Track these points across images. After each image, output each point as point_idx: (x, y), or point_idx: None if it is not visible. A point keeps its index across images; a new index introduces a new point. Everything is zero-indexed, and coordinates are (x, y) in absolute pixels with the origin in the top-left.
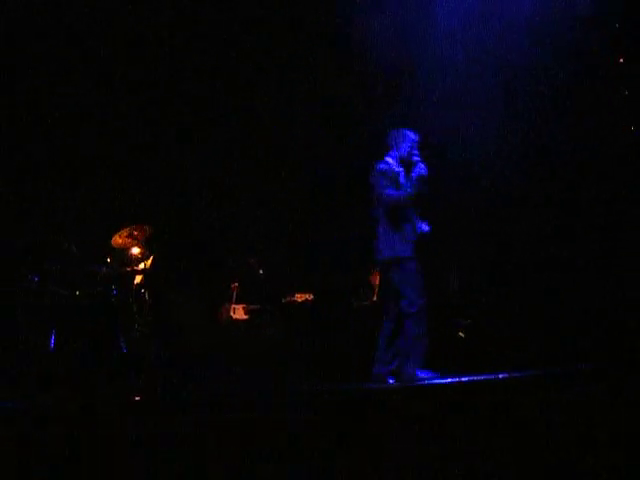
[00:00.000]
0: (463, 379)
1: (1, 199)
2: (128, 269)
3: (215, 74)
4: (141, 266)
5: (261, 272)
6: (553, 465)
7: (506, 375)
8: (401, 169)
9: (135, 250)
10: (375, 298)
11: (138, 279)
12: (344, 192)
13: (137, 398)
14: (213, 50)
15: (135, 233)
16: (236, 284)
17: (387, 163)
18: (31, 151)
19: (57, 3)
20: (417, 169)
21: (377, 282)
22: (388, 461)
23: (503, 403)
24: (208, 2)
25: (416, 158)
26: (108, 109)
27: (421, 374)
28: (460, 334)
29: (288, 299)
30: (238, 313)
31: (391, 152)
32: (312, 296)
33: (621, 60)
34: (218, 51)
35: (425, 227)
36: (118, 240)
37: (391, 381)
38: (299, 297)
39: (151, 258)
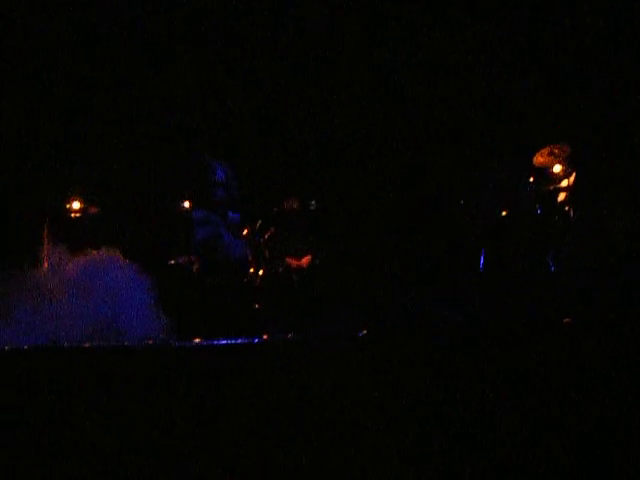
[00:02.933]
0: None
1: None
2: (551, 187)
3: None
4: (564, 183)
5: None
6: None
7: None
8: None
9: (557, 168)
10: None
11: (562, 196)
12: None
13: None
14: None
15: (556, 151)
16: None
17: None
18: None
19: None
20: None
21: None
22: None
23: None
24: None
25: None
26: None
27: None
28: None
29: None
30: None
31: None
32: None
33: None
34: None
35: None
36: (540, 159)
37: None
38: None
39: (573, 175)
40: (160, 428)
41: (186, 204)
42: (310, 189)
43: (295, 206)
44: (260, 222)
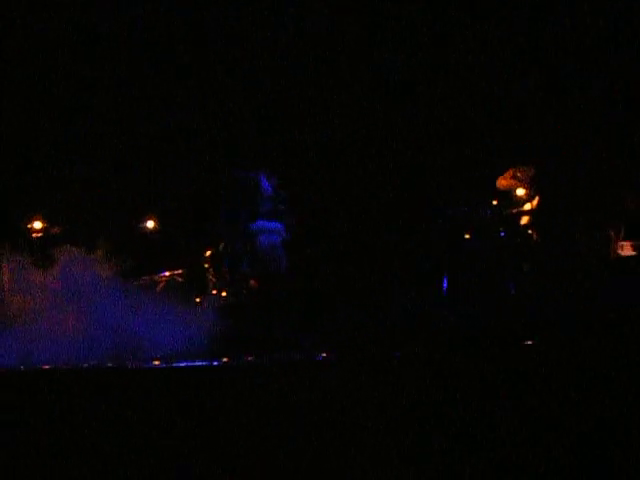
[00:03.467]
0: None
1: None
2: (514, 211)
3: None
4: (527, 207)
5: None
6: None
7: None
8: None
9: (520, 191)
10: None
11: (525, 220)
12: None
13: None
14: None
15: (519, 174)
16: None
17: None
18: None
19: None
20: None
21: None
22: None
23: None
24: None
25: None
26: None
27: None
28: None
29: None
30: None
31: None
32: None
33: None
34: None
35: None
36: (503, 182)
37: None
38: None
39: (537, 198)
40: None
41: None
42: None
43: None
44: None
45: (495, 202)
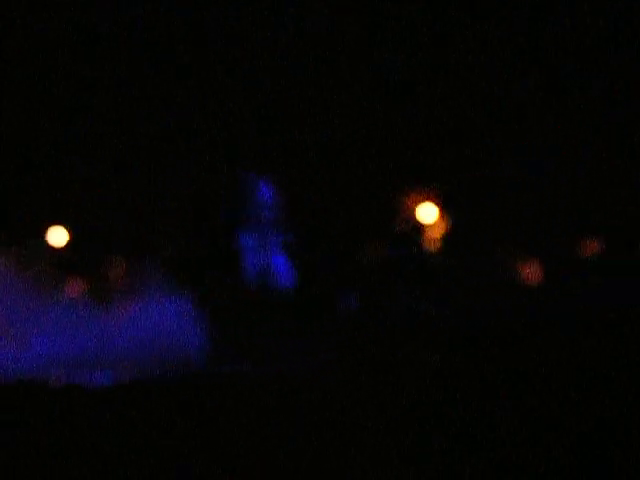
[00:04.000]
0: None
1: None
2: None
3: None
4: (431, 226)
5: None
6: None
7: None
8: None
9: (424, 210)
10: None
11: (428, 239)
12: None
13: None
14: None
15: (423, 193)
16: None
17: None
18: None
19: None
20: None
21: None
22: None
23: None
24: None
25: None
26: None
27: None
28: None
29: None
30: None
31: None
32: None
33: None
34: None
35: None
36: (406, 200)
37: None
38: None
39: (440, 217)
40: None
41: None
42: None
43: None
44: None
45: (398, 221)
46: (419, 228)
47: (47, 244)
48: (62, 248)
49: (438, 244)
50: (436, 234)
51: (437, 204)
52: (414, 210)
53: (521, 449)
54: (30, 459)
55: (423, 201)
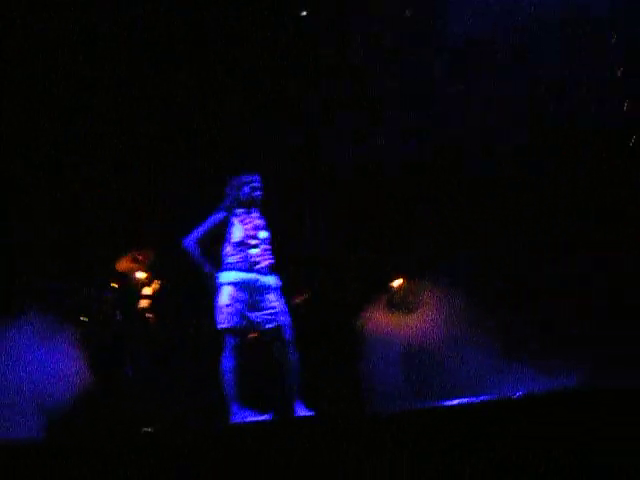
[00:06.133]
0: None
1: None
2: (134, 294)
3: None
4: (147, 291)
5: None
6: None
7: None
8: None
9: (140, 275)
10: None
11: (144, 304)
12: None
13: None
14: None
15: (140, 258)
16: None
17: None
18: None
19: None
20: None
21: None
22: None
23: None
24: None
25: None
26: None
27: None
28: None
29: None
30: None
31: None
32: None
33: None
34: None
35: None
36: (123, 264)
37: None
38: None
39: (156, 282)
40: None
41: None
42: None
43: None
44: None
45: (116, 285)
46: None
47: None
48: None
49: None
50: None
51: None
52: None
53: None
54: None
55: None
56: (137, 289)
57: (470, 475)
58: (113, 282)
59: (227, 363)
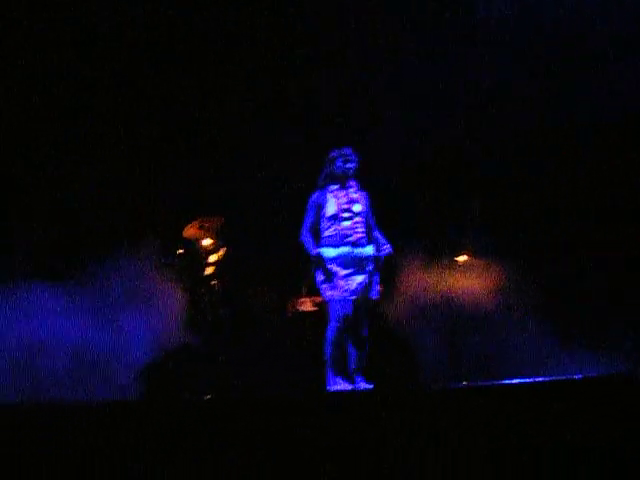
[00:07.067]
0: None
1: None
2: (199, 260)
3: None
4: (213, 258)
5: None
6: None
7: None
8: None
9: (206, 242)
10: None
11: (209, 270)
12: None
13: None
14: None
15: (206, 225)
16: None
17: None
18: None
19: None
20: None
21: None
22: None
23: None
24: None
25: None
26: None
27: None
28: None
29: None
30: (305, 306)
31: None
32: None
33: None
34: None
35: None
36: (189, 231)
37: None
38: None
39: (223, 250)
40: None
41: None
42: None
43: None
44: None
45: (181, 250)
46: None
47: None
48: None
49: None
50: None
51: None
52: None
53: None
54: None
55: None
56: (203, 256)
57: (529, 456)
58: (179, 248)
59: (330, 333)
